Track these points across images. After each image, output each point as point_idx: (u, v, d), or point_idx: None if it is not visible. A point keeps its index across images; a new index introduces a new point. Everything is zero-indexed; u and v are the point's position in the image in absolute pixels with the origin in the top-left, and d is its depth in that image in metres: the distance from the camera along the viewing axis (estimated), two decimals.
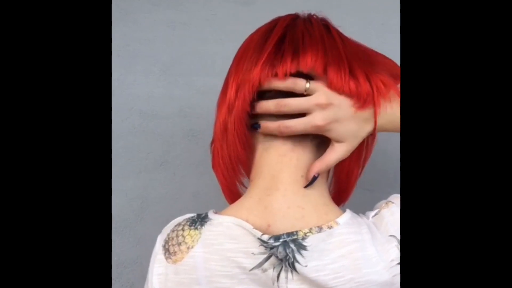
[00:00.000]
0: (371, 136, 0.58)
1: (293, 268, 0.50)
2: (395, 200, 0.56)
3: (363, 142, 0.58)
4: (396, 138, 0.90)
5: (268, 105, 0.54)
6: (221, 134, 0.57)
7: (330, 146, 0.55)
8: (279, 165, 0.55)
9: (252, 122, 0.56)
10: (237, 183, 0.60)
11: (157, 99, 0.94)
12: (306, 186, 0.54)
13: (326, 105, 0.53)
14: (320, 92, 0.53)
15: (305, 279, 0.50)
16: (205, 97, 0.93)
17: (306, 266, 0.49)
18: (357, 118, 0.54)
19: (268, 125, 0.55)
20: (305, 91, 0.53)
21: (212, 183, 0.93)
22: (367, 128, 0.55)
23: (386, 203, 0.56)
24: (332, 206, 0.56)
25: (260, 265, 0.50)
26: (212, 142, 0.61)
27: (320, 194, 0.56)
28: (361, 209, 0.59)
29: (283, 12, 0.61)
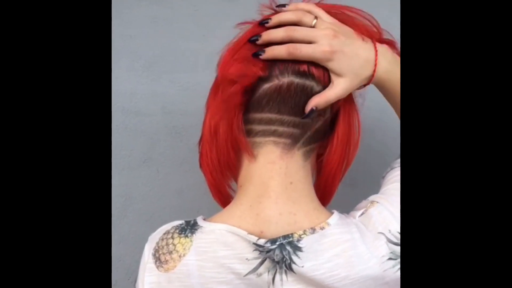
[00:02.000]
0: (354, 145, 0.59)
1: (290, 269, 0.51)
2: (379, 200, 0.57)
3: (347, 147, 0.58)
4: (379, 134, 0.91)
5: (277, 32, 0.55)
6: (210, 136, 0.57)
7: (330, 84, 0.55)
8: (269, 172, 0.55)
9: (246, 128, 0.56)
10: (226, 185, 0.60)
11: (140, 96, 0.93)
12: (303, 118, 0.54)
13: (333, 36, 0.54)
14: (328, 25, 0.55)
15: (301, 279, 0.51)
16: (188, 94, 0.93)
17: (302, 266, 0.50)
18: (360, 58, 0.55)
19: (274, 48, 0.54)
20: (313, 25, 0.55)
21: (196, 181, 0.93)
22: (368, 70, 0.56)
23: (372, 203, 0.57)
24: (322, 209, 0.57)
25: (254, 270, 0.51)
26: (200, 141, 0.60)
27: (310, 199, 0.56)
28: (344, 204, 0.60)
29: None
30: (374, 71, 0.56)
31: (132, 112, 0.92)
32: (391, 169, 0.62)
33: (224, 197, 0.61)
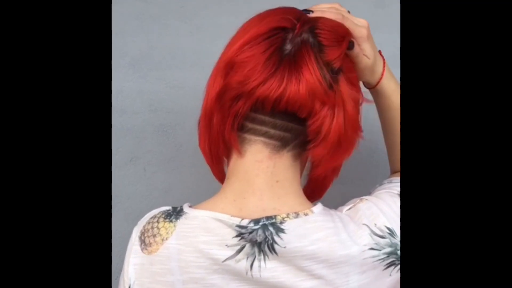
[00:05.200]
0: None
1: (273, 249, 0.51)
2: (368, 198, 0.59)
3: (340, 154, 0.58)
4: (368, 133, 0.92)
5: (324, 4, 0.60)
6: (204, 121, 0.58)
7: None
8: (256, 170, 0.55)
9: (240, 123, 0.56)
10: (219, 168, 0.62)
11: (126, 94, 0.92)
12: (348, 49, 0.57)
13: (368, 26, 0.61)
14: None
15: (279, 265, 0.52)
16: (175, 91, 0.92)
17: (285, 247, 0.51)
18: (377, 54, 0.63)
19: (325, 11, 0.58)
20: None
21: (183, 179, 0.93)
22: (380, 67, 0.64)
23: (361, 199, 0.58)
24: (308, 204, 0.57)
25: (233, 256, 0.52)
26: (199, 121, 0.60)
27: (296, 196, 0.57)
28: (332, 201, 0.60)
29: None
30: (383, 74, 0.64)
31: (119, 110, 0.92)
32: (380, 185, 0.65)
33: (220, 176, 0.63)
